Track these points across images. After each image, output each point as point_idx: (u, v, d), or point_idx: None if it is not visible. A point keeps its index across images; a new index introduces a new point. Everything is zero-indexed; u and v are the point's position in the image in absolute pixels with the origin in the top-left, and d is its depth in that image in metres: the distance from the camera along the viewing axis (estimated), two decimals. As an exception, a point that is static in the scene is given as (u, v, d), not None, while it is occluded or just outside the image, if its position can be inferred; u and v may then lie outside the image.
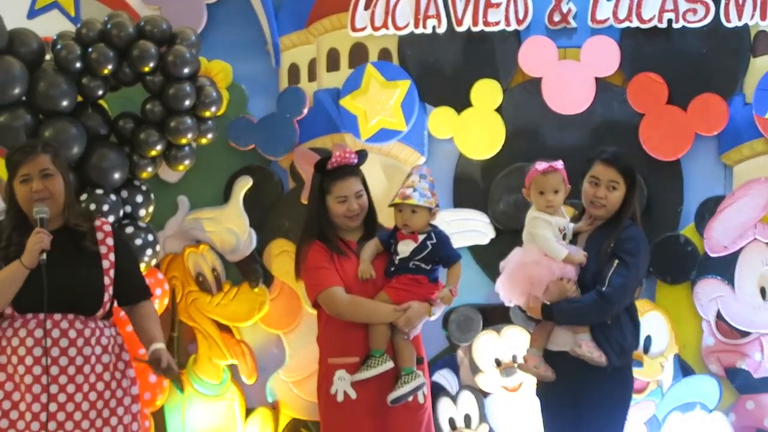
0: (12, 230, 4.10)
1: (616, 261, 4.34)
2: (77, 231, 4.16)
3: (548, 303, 4.30)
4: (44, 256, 3.93)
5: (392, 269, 4.52)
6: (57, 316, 4.03)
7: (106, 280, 4.14)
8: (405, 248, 4.47)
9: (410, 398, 4.44)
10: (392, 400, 4.38)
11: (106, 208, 5.01)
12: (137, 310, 4.34)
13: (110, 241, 4.22)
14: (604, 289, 4.28)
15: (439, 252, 4.50)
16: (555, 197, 4.39)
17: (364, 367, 4.42)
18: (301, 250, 4.68)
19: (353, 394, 4.46)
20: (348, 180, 4.58)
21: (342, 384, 4.47)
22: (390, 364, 4.41)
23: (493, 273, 5.14)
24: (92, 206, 4.98)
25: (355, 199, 4.56)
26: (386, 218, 4.72)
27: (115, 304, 4.34)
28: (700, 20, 5.25)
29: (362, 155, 4.68)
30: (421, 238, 4.48)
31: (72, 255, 4.09)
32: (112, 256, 4.20)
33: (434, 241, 4.49)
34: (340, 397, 4.46)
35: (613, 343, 4.37)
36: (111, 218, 4.75)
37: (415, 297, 4.48)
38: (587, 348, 4.28)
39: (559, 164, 4.45)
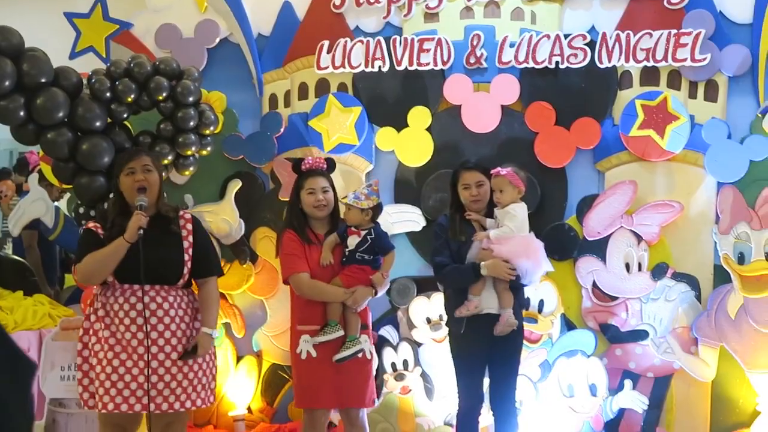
0: (116, 216, 4.32)
1: None
2: (166, 217, 4.39)
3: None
4: (141, 232, 4.15)
5: (343, 259, 4.79)
6: (146, 287, 4.25)
7: (185, 257, 4.37)
8: (352, 242, 4.75)
9: (360, 355, 4.74)
10: (337, 359, 4.70)
11: (129, 204, 4.91)
12: (203, 286, 4.53)
13: (189, 227, 4.45)
14: None
15: (377, 244, 4.78)
16: (501, 195, 4.70)
17: (321, 333, 4.71)
18: (280, 236, 4.91)
19: (314, 353, 4.72)
20: (317, 178, 4.80)
21: (305, 345, 4.74)
22: (340, 332, 4.71)
23: (424, 253, 5.61)
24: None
25: (321, 192, 4.77)
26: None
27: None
28: (580, 62, 5.54)
29: (330, 163, 4.93)
30: (363, 233, 4.75)
31: (161, 236, 4.30)
32: (191, 238, 4.42)
33: (373, 236, 4.76)
34: (303, 356, 4.74)
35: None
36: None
37: (361, 282, 4.76)
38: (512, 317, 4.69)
39: (502, 170, 4.72)
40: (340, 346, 4.74)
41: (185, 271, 4.40)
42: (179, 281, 4.39)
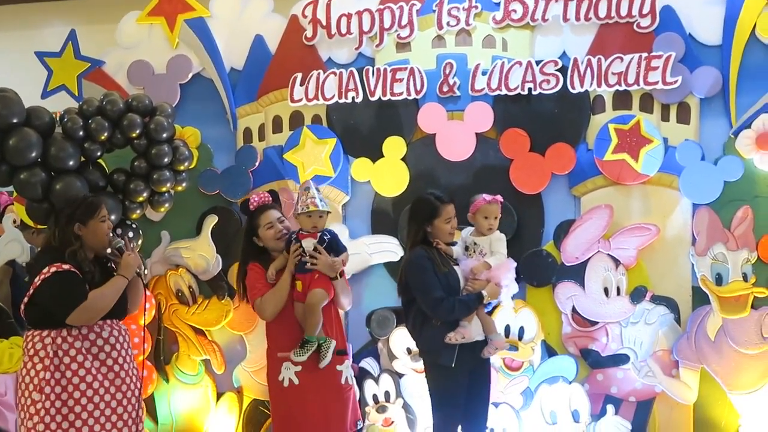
0: (89, 261, 4.49)
1: None
2: (109, 258, 4.67)
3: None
4: (142, 269, 4.64)
5: (305, 266, 4.77)
6: (108, 321, 4.53)
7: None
8: (309, 244, 4.76)
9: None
10: (322, 366, 4.70)
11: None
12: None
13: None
14: None
15: (333, 243, 4.83)
16: (495, 222, 4.85)
17: (298, 352, 4.69)
18: (244, 276, 4.94)
19: (296, 381, 4.72)
20: (269, 212, 4.92)
21: (288, 372, 4.74)
22: (333, 342, 4.75)
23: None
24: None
25: (279, 223, 4.88)
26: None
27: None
28: (553, 88, 5.54)
29: (274, 195, 5.10)
30: (318, 234, 4.80)
31: (109, 276, 4.56)
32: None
33: (328, 236, 4.81)
34: (286, 383, 4.73)
35: None
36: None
37: (323, 282, 4.79)
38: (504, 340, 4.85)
39: (499, 198, 4.91)
40: (318, 354, 4.75)
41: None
42: (126, 315, 4.71)
